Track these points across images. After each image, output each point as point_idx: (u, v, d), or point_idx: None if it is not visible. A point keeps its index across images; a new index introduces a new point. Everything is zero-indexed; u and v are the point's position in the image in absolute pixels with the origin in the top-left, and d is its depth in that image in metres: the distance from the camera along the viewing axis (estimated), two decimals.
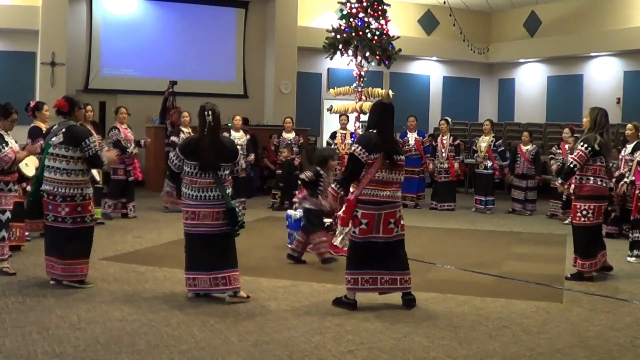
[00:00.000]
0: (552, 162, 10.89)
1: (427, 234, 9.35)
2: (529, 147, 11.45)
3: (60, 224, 5.71)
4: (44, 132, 7.11)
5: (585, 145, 6.39)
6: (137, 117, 14.58)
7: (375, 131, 5.37)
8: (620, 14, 15.91)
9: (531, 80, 18.64)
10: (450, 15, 16.11)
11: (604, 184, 6.51)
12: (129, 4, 14.94)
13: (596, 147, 6.37)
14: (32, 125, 7.89)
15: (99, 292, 5.66)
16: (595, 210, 6.46)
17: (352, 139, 8.85)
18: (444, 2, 16.23)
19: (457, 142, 11.99)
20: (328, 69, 17.22)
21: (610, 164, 7.11)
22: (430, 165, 11.84)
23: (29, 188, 6.50)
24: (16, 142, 6.53)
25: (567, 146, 10.52)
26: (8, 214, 6.20)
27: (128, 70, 14.95)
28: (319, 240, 6.95)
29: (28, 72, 13.76)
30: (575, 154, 6.49)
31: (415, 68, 18.87)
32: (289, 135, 11.68)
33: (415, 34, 18.14)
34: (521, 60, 18.74)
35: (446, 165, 11.70)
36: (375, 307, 5.43)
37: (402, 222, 5.41)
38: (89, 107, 8.89)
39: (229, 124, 10.84)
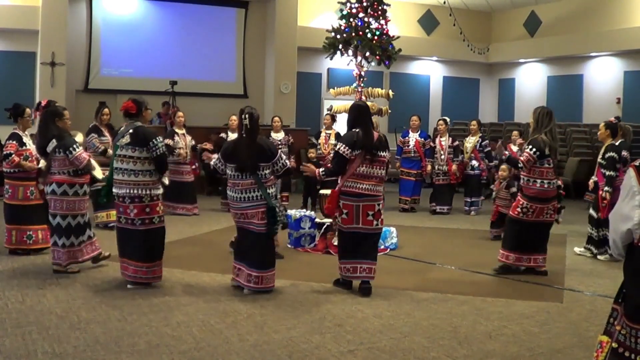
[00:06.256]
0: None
1: (427, 234, 9.35)
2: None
3: (131, 226, 5.75)
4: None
5: (534, 149, 6.48)
6: None
7: (357, 130, 5.84)
8: (620, 14, 15.91)
9: (531, 80, 18.64)
10: (450, 15, 16.12)
11: (551, 186, 6.61)
12: (129, 4, 14.95)
13: (546, 151, 6.48)
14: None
15: (99, 292, 5.66)
16: (536, 211, 6.57)
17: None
18: (444, 2, 16.24)
19: (456, 143, 11.49)
20: (328, 69, 17.22)
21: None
22: (429, 167, 11.34)
23: (44, 188, 6.55)
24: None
25: (514, 148, 10.19)
26: (86, 217, 6.36)
27: (128, 70, 14.96)
28: None
29: (28, 72, 13.78)
30: (523, 156, 6.58)
31: (415, 68, 18.87)
32: (278, 135, 11.19)
33: (415, 34, 18.14)
34: (521, 60, 18.74)
35: (445, 168, 11.29)
36: (375, 307, 5.44)
37: (381, 216, 5.88)
38: (105, 110, 8.84)
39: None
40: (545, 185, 6.56)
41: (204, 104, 15.26)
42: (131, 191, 5.70)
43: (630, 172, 2.92)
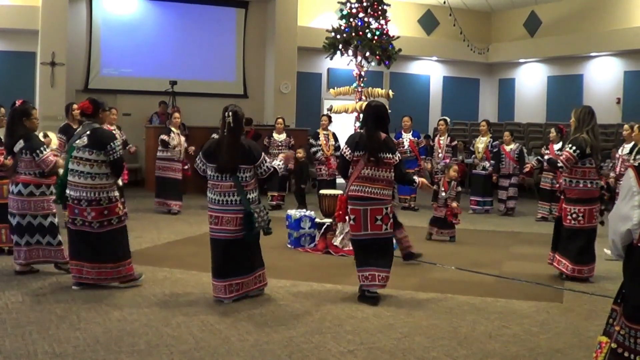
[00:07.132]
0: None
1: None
2: (512, 146, 11.47)
3: (87, 229, 5.61)
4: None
5: (574, 148, 6.32)
6: (136, 118, 14.64)
7: (362, 131, 5.71)
8: (620, 14, 15.91)
9: (531, 80, 18.64)
10: (450, 15, 16.11)
11: (594, 186, 6.47)
12: (129, 4, 14.94)
13: (587, 150, 6.31)
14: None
15: (99, 292, 5.65)
16: (586, 214, 6.41)
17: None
18: (444, 2, 16.24)
19: (455, 142, 11.76)
20: (328, 69, 17.22)
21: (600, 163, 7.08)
22: (429, 165, 11.62)
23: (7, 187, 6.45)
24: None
25: (555, 147, 10.40)
26: (55, 218, 6.24)
27: (128, 70, 14.95)
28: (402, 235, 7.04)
29: (28, 72, 13.76)
30: (563, 155, 6.43)
31: (415, 68, 18.87)
32: (280, 137, 11.41)
33: (415, 34, 18.14)
34: (521, 60, 18.74)
35: (442, 166, 11.41)
36: (375, 307, 5.44)
37: (390, 220, 5.58)
38: (113, 110, 8.92)
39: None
40: (589, 185, 6.42)
41: (203, 104, 15.26)
42: (88, 194, 5.56)
43: (630, 173, 2.92)
